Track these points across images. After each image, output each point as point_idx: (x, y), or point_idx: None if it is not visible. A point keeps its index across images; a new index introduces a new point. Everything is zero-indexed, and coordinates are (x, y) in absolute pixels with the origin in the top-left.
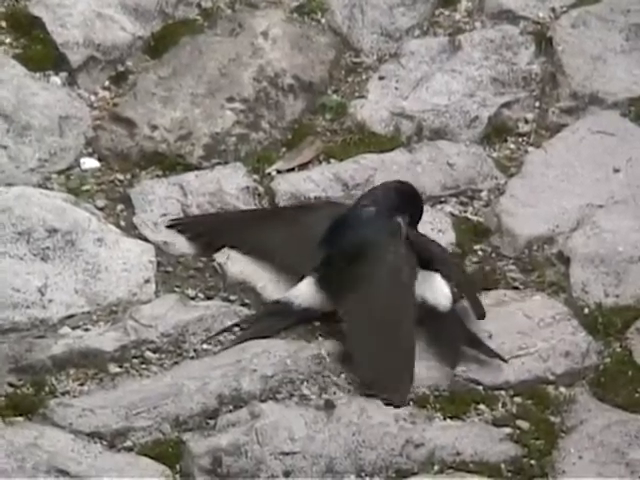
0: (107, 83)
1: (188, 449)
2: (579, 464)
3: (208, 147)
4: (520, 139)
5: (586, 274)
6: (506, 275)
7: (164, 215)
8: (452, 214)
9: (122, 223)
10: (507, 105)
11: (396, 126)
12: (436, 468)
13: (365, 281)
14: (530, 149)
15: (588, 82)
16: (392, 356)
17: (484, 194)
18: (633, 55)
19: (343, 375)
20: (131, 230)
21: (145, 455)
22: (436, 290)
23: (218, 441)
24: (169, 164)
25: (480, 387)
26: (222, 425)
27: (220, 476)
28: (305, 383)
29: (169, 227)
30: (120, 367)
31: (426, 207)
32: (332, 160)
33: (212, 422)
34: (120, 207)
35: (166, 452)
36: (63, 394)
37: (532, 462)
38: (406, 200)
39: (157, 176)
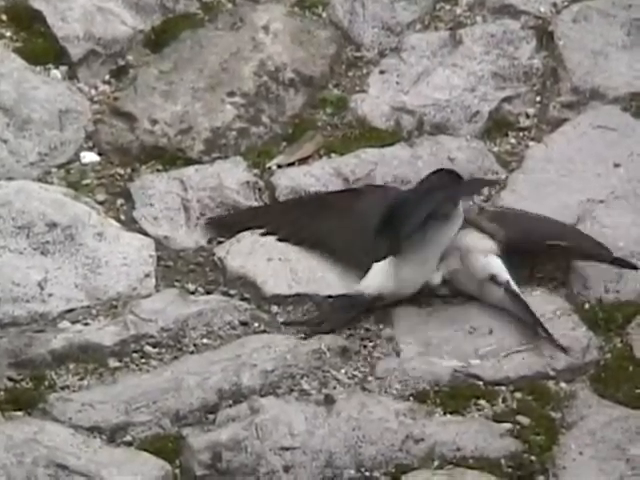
0: (107, 77)
1: (188, 444)
2: (579, 460)
3: (208, 141)
4: (521, 134)
5: (587, 269)
6: None
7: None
8: None
9: (122, 217)
10: (508, 100)
11: (397, 121)
12: (436, 463)
13: None
14: (531, 144)
15: (589, 77)
16: None
17: (485, 189)
18: (634, 50)
19: (343, 370)
20: (131, 224)
21: (145, 450)
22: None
23: (218, 436)
24: (169, 158)
25: (480, 382)
26: (222, 420)
27: (220, 471)
28: (305, 378)
29: (208, 224)
30: (120, 362)
31: None
32: (333, 155)
33: (212, 417)
34: (120, 201)
35: (166, 447)
36: (63, 388)
37: (532, 458)
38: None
39: (157, 170)
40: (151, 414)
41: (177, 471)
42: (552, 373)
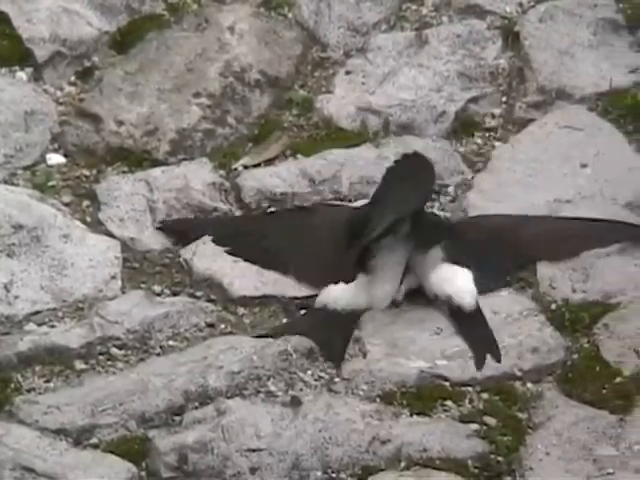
0: (73, 78)
1: (154, 446)
2: (546, 460)
3: (174, 142)
4: (487, 134)
5: (553, 270)
6: None
7: (132, 211)
8: None
9: (88, 219)
10: (474, 100)
11: (363, 121)
12: (403, 464)
13: None
14: (497, 144)
15: (555, 77)
16: None
17: (451, 189)
18: (600, 50)
19: (310, 371)
20: (97, 226)
21: (111, 452)
22: (461, 287)
23: (184, 438)
24: (135, 160)
25: (447, 383)
26: (188, 422)
27: (186, 473)
28: (271, 379)
29: (159, 229)
30: (86, 364)
31: None
32: (299, 155)
33: (178, 419)
34: (86, 203)
35: (132, 449)
36: (29, 391)
37: (499, 458)
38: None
39: (123, 172)
40: (117, 416)
41: (143, 473)
42: (519, 374)
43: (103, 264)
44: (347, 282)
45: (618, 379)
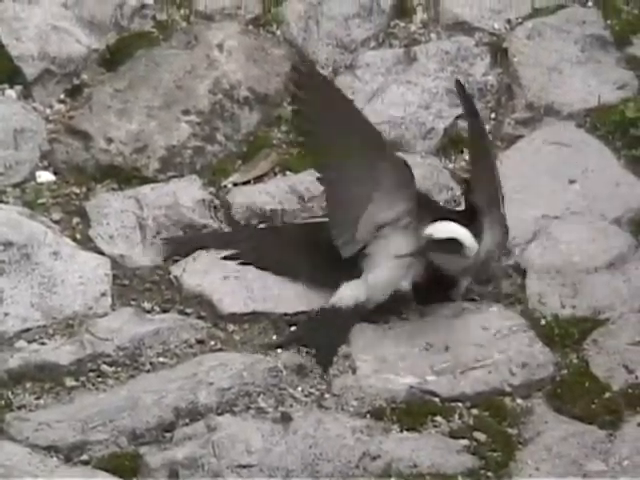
0: (62, 96)
1: (145, 462)
2: (536, 475)
3: (164, 160)
4: None
5: (542, 285)
6: None
7: (122, 228)
8: None
9: (78, 236)
10: (463, 116)
11: None
12: None
13: None
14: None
15: (544, 93)
16: None
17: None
18: (589, 66)
19: (300, 387)
20: (87, 243)
21: (102, 469)
22: (441, 227)
23: (175, 454)
24: (125, 177)
25: (437, 399)
26: (179, 438)
27: None
28: (262, 396)
29: (166, 244)
30: (76, 381)
31: None
32: (288, 172)
33: (169, 435)
34: (76, 220)
35: (123, 465)
36: (19, 408)
37: (489, 474)
38: None
39: (113, 189)
40: (108, 433)
41: None
42: (508, 389)
43: (93, 281)
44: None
45: (607, 394)
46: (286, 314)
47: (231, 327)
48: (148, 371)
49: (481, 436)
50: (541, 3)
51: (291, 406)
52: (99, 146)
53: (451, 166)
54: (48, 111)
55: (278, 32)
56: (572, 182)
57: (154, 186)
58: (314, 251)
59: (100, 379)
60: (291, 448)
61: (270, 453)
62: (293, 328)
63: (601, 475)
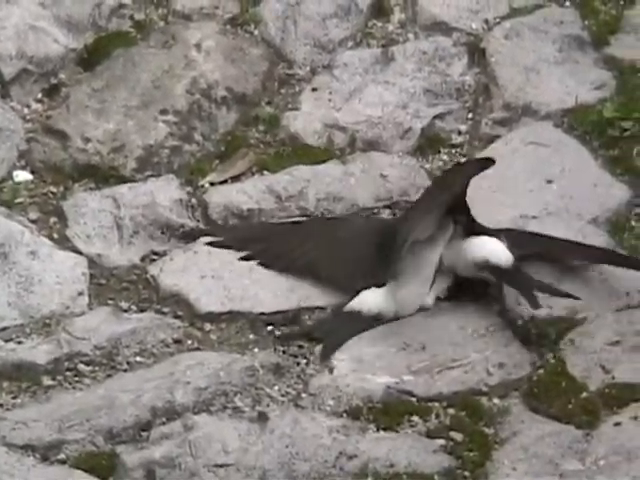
0: (40, 95)
1: (121, 462)
2: (513, 475)
3: (141, 159)
4: (453, 150)
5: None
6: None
7: (100, 227)
8: None
9: (55, 236)
10: (440, 116)
11: (329, 138)
12: None
13: None
14: (463, 160)
15: (521, 93)
16: None
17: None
18: (566, 66)
19: (276, 387)
20: (64, 243)
21: (78, 468)
22: (495, 251)
23: (151, 454)
24: (102, 176)
25: (413, 398)
26: (155, 437)
27: None
28: (238, 395)
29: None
30: (53, 380)
31: None
32: (265, 172)
33: (145, 434)
34: (53, 220)
35: (99, 465)
36: None
37: (466, 473)
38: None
39: (90, 188)
40: (85, 432)
41: None
42: (485, 389)
43: (70, 280)
44: (378, 286)
45: (584, 394)
46: (263, 314)
47: (208, 326)
48: (125, 370)
49: (458, 436)
50: (519, 3)
51: (268, 405)
52: (76, 145)
53: (428, 166)
54: (25, 110)
55: (256, 32)
56: (549, 182)
57: (131, 185)
58: (335, 248)
59: (77, 378)
60: (268, 448)
61: (247, 453)
62: (270, 328)
63: (578, 475)
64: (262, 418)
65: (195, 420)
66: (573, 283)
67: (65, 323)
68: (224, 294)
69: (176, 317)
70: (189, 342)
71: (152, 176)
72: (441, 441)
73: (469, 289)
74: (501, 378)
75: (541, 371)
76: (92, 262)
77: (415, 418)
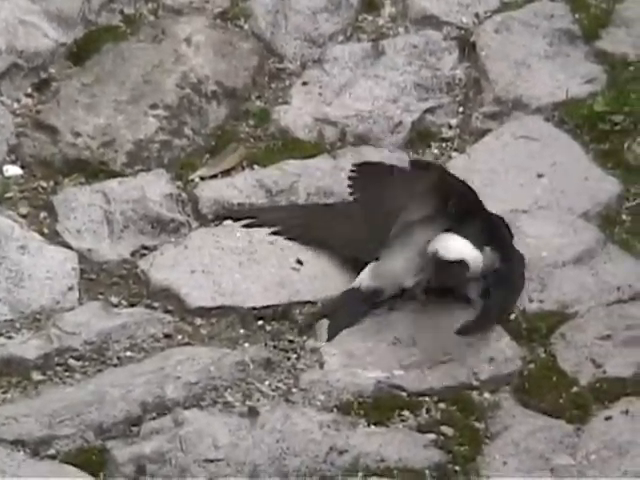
0: (30, 90)
1: (112, 457)
2: (504, 470)
3: (131, 154)
4: (444, 144)
5: None
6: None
7: (90, 222)
8: None
9: (45, 230)
10: (431, 110)
11: (320, 132)
12: (360, 475)
13: None
14: (454, 154)
15: (512, 87)
16: None
17: None
18: (556, 60)
19: (267, 382)
20: (54, 237)
21: (69, 463)
22: (449, 244)
23: (142, 449)
24: (92, 171)
25: (404, 393)
26: (146, 433)
27: None
28: (229, 390)
29: (228, 218)
30: (43, 375)
31: None
32: (255, 166)
33: (136, 429)
34: (43, 214)
35: (90, 460)
36: None
37: (456, 468)
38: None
39: (80, 183)
40: (75, 427)
41: None
42: (476, 383)
43: (60, 275)
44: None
45: (575, 389)
46: (254, 308)
47: (198, 321)
48: (115, 365)
49: (448, 430)
50: None
51: (258, 400)
52: (66, 140)
53: None
54: (15, 105)
55: (246, 26)
56: (540, 176)
57: (121, 180)
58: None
59: (67, 373)
60: (258, 443)
61: (237, 448)
62: (260, 322)
63: (568, 469)
64: (252, 413)
65: (185, 415)
66: (563, 277)
67: (55, 318)
68: (214, 289)
69: (166, 312)
70: (179, 337)
71: (142, 171)
72: (432, 436)
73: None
74: (492, 373)
75: (532, 365)
76: (82, 257)
77: (406, 413)
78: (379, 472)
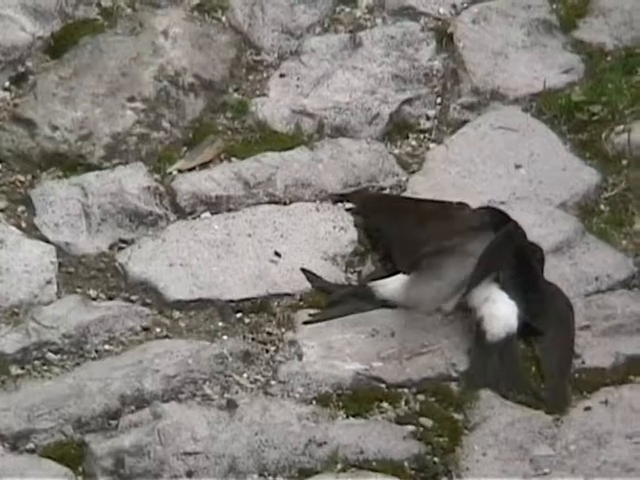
0: (7, 84)
1: (90, 450)
2: (483, 461)
3: (109, 147)
4: (421, 135)
5: None
6: None
7: (67, 215)
8: None
9: (23, 224)
10: (408, 102)
11: (297, 124)
12: (339, 467)
13: None
14: (431, 145)
15: (489, 78)
16: None
17: (386, 191)
18: (534, 50)
19: (245, 374)
20: (32, 231)
21: (47, 457)
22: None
23: (120, 442)
24: (70, 165)
25: (383, 385)
26: (124, 426)
27: (123, 477)
28: (207, 383)
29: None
30: (22, 369)
31: (327, 205)
32: (233, 159)
33: (114, 423)
34: (21, 208)
35: (68, 453)
36: None
37: (435, 459)
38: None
39: (58, 177)
40: (53, 421)
41: (80, 478)
42: (454, 375)
43: (38, 269)
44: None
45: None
46: (232, 301)
47: (177, 314)
48: (94, 359)
49: (427, 422)
50: None
51: (237, 393)
52: (44, 134)
53: (396, 151)
54: None
55: (223, 18)
56: (518, 167)
57: (99, 173)
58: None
59: (45, 367)
60: (237, 435)
61: (216, 440)
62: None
63: (548, 460)
64: (231, 405)
65: (164, 408)
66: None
67: (33, 312)
68: (192, 282)
69: (145, 305)
70: (158, 330)
71: (120, 164)
72: (411, 427)
73: None
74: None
75: None
76: (60, 250)
77: (385, 404)
78: (358, 464)
